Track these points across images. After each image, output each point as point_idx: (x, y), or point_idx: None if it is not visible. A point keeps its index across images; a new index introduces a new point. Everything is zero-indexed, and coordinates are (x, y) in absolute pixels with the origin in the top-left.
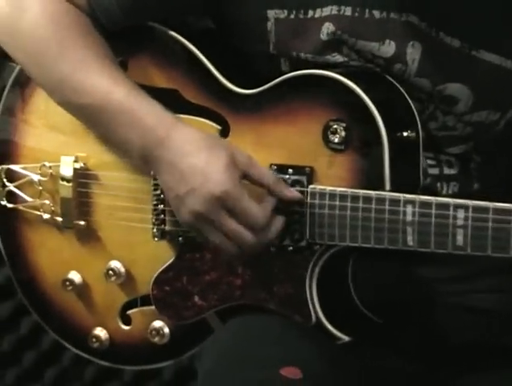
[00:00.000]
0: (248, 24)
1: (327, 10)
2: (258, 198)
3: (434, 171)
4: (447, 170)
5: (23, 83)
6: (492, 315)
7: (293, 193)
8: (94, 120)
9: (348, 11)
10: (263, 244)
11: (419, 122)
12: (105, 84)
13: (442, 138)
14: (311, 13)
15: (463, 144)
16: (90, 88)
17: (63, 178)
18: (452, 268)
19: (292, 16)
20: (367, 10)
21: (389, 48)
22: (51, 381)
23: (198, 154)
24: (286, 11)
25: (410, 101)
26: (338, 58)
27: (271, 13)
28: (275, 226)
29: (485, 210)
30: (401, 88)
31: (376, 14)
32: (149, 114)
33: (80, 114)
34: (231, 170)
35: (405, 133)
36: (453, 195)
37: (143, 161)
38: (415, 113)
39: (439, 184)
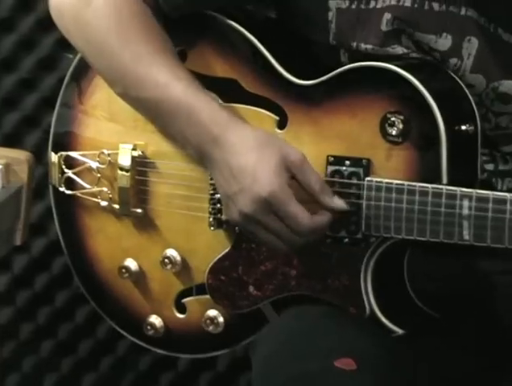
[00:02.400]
0: (309, 13)
1: (387, 1)
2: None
3: (489, 167)
4: (502, 166)
5: (82, 74)
6: None
7: (337, 203)
8: (152, 113)
9: (408, 2)
10: (310, 243)
11: (477, 116)
12: (164, 78)
13: (496, 137)
14: (372, 3)
15: None
16: (149, 82)
17: (121, 166)
18: None
19: (354, 6)
20: (427, 2)
21: (445, 41)
22: (106, 370)
23: (249, 154)
24: (347, 1)
25: (469, 95)
26: (398, 50)
27: (333, 3)
28: (321, 227)
29: None
30: (460, 81)
31: (435, 6)
32: (205, 111)
33: (140, 106)
34: (281, 172)
35: (463, 127)
36: (508, 191)
37: (198, 156)
38: (474, 107)
39: (494, 179)
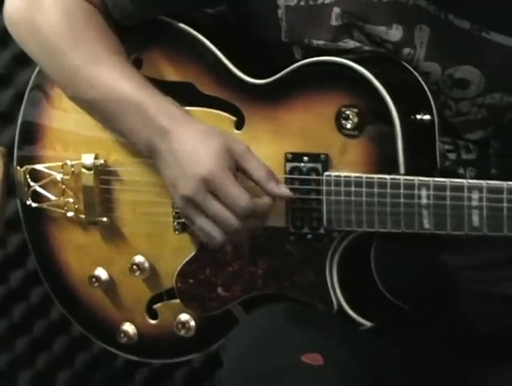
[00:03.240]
0: (260, 12)
1: None
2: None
3: (452, 156)
4: (464, 156)
5: (41, 87)
6: None
7: (282, 190)
8: (104, 112)
9: None
10: (248, 230)
11: (433, 104)
12: (114, 77)
13: (458, 124)
14: None
15: (481, 129)
16: (99, 82)
17: (85, 175)
18: (481, 256)
19: (302, 3)
20: None
21: (396, 32)
22: (81, 367)
23: (191, 141)
24: None
25: (423, 84)
26: (350, 44)
27: (281, 0)
28: (258, 214)
29: (500, 190)
30: (414, 71)
31: None
32: (153, 105)
33: (91, 108)
34: (221, 156)
35: (418, 116)
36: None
37: (148, 151)
38: (429, 96)
39: (458, 169)
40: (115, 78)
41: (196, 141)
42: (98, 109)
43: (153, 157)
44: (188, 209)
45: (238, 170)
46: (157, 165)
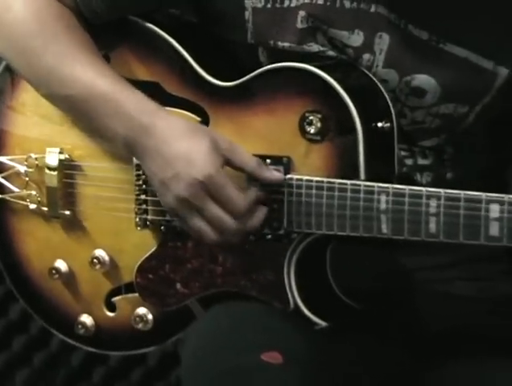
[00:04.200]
0: (226, 14)
1: (301, 0)
2: (241, 185)
3: (408, 162)
4: (421, 161)
5: (7, 78)
6: (474, 302)
7: (274, 175)
8: (79, 110)
9: (320, 1)
10: (244, 232)
11: (393, 113)
12: (89, 74)
13: (414, 132)
14: (287, 2)
15: (435, 137)
16: (75, 79)
17: (49, 169)
18: (435, 257)
19: (269, 5)
20: (338, 0)
21: (358, 38)
22: (39, 365)
23: (180, 140)
24: (263, 1)
25: (384, 92)
26: (314, 47)
27: (249, 2)
28: (257, 214)
29: (457, 199)
30: (375, 79)
31: (346, 3)
32: (132, 103)
33: (66, 105)
34: (214, 155)
35: (379, 124)
36: (427, 184)
37: (127, 149)
38: (390, 104)
39: (414, 174)
40: (91, 76)
41: (185, 139)
42: (73, 107)
43: (134, 153)
44: (182, 209)
45: (227, 165)
46: (141, 161)
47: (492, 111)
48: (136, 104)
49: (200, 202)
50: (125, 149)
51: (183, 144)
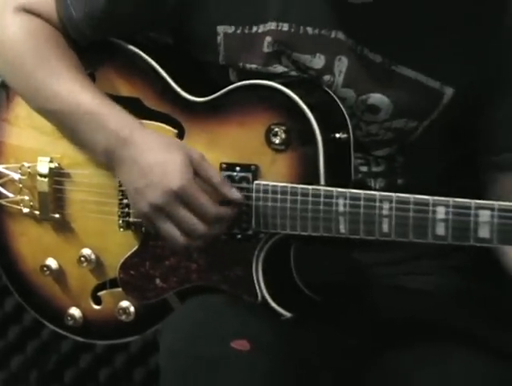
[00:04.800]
0: (201, 38)
1: (268, 26)
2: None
3: (363, 169)
4: (374, 168)
5: (5, 92)
6: (424, 295)
7: (234, 195)
8: (65, 123)
9: (285, 27)
10: (212, 236)
11: (350, 125)
12: (74, 91)
13: (368, 143)
14: (254, 28)
15: (387, 147)
16: (62, 96)
17: (40, 176)
18: (389, 254)
19: (239, 31)
20: (301, 27)
21: (319, 61)
22: (32, 353)
23: (157, 152)
24: (233, 27)
25: (341, 106)
26: (279, 69)
27: (221, 28)
28: (224, 220)
29: (407, 202)
30: (333, 95)
31: (309, 30)
32: (113, 118)
33: (53, 119)
34: (187, 167)
35: (337, 135)
36: (380, 190)
37: (107, 159)
38: (347, 117)
39: (368, 180)
40: (75, 92)
41: (160, 152)
42: (59, 120)
43: (112, 164)
44: (155, 215)
45: (196, 175)
46: (117, 171)
47: (439, 125)
48: (116, 119)
49: (172, 209)
50: (105, 160)
51: (158, 156)
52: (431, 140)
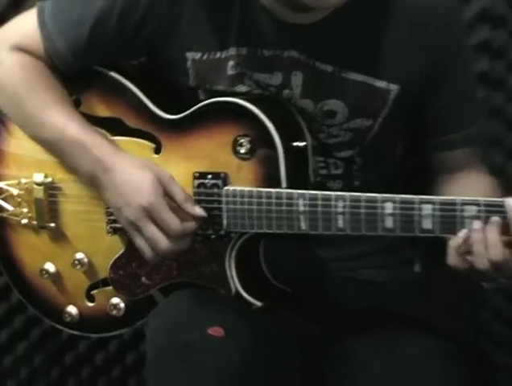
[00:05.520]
0: (172, 63)
1: (229, 51)
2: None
3: (323, 172)
4: (333, 171)
5: (3, 118)
6: (378, 286)
7: (196, 211)
8: (54, 149)
9: (244, 51)
10: (175, 251)
11: (306, 134)
12: (62, 121)
13: (331, 145)
14: (218, 54)
15: (349, 149)
16: (51, 125)
17: (36, 190)
18: (346, 250)
19: (205, 57)
20: (258, 50)
21: (277, 78)
22: (35, 340)
23: (131, 174)
24: (200, 53)
25: (299, 118)
26: (242, 88)
27: (189, 55)
28: (187, 236)
29: (358, 199)
30: (291, 108)
31: (265, 52)
32: (96, 146)
33: (44, 144)
34: (155, 187)
35: (295, 143)
36: (338, 190)
37: (91, 181)
38: (303, 127)
39: (327, 182)
40: (63, 122)
41: (135, 175)
42: (50, 147)
43: (94, 184)
44: (130, 229)
45: (165, 194)
46: (98, 190)
47: (391, 122)
48: (99, 147)
49: (142, 224)
50: (90, 182)
51: (133, 178)
52: (386, 139)
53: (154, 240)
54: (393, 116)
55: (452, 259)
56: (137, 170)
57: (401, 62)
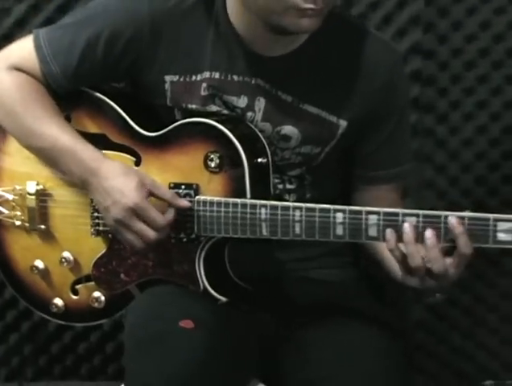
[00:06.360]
0: (151, 85)
1: (203, 75)
2: (162, 208)
3: (280, 186)
4: (288, 186)
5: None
6: (328, 284)
7: (183, 203)
8: (48, 157)
9: (217, 75)
10: (160, 239)
11: (268, 152)
12: (54, 133)
13: (283, 166)
14: (193, 77)
15: (298, 168)
16: (45, 136)
17: (29, 196)
18: (301, 252)
19: (181, 79)
20: (229, 75)
21: (243, 101)
22: (26, 331)
23: (117, 178)
24: (177, 76)
25: (262, 138)
26: (213, 108)
27: (167, 77)
28: (169, 226)
29: (313, 209)
30: (255, 129)
31: (235, 77)
32: (85, 153)
33: (39, 153)
34: (140, 189)
35: (259, 160)
36: (293, 202)
37: (82, 185)
38: (266, 146)
39: (284, 195)
40: (56, 133)
41: (120, 178)
42: (44, 155)
43: (86, 188)
44: (119, 227)
45: (151, 196)
46: (90, 193)
47: (337, 150)
48: (88, 154)
49: (130, 221)
50: (80, 185)
51: (118, 181)
52: (331, 162)
53: (143, 234)
54: (338, 147)
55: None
56: (122, 175)
57: (350, 101)
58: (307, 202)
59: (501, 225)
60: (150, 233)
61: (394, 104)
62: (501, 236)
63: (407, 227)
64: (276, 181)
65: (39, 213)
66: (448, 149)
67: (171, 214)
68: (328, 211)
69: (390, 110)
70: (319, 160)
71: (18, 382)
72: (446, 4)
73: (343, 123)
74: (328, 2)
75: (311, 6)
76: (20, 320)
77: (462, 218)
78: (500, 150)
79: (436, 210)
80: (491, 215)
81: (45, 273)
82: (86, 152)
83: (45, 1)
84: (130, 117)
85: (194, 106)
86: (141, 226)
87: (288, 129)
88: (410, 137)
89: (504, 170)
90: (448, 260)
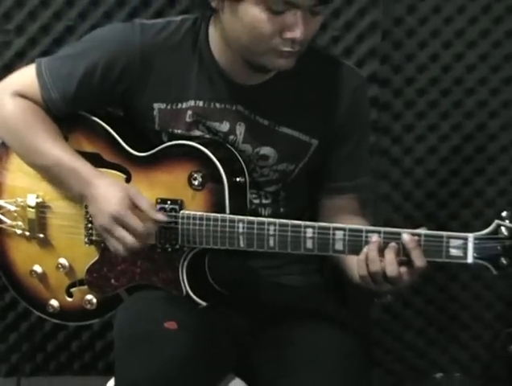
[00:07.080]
0: (142, 111)
1: (189, 103)
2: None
3: (256, 201)
4: (264, 201)
5: (4, 149)
6: (296, 289)
7: (158, 216)
8: (50, 174)
9: (201, 103)
10: (139, 246)
11: (246, 172)
12: (55, 151)
13: (261, 182)
14: (180, 105)
15: (274, 185)
16: (47, 155)
17: (29, 208)
18: (273, 260)
19: (169, 107)
20: (212, 103)
21: (225, 126)
22: (24, 330)
23: (106, 189)
24: (165, 104)
25: (240, 159)
26: (197, 133)
27: (156, 105)
28: (149, 234)
29: (286, 225)
30: (235, 151)
31: (218, 105)
32: (82, 170)
33: (41, 170)
34: (123, 199)
35: (238, 179)
36: (268, 216)
37: (79, 197)
38: (244, 166)
39: (259, 209)
40: (58, 153)
41: (108, 190)
42: (46, 172)
43: (83, 199)
44: (103, 232)
45: (134, 206)
46: (86, 203)
47: (309, 166)
48: (85, 170)
49: (112, 227)
50: (78, 197)
51: (107, 191)
52: (302, 177)
53: (123, 239)
54: (310, 163)
55: (360, 270)
56: (111, 187)
57: (321, 122)
58: (281, 215)
59: (453, 242)
60: (130, 240)
61: (358, 124)
62: (453, 251)
63: (375, 238)
64: (253, 196)
65: (39, 223)
66: (402, 167)
67: (150, 224)
68: (299, 226)
69: (354, 130)
70: (293, 176)
71: (17, 377)
72: (400, 38)
73: (314, 142)
74: (303, 44)
75: (289, 49)
76: (19, 321)
77: (418, 235)
78: (448, 168)
79: (392, 221)
80: (444, 233)
81: (43, 277)
82: (84, 168)
83: (42, 34)
84: (121, 139)
85: (180, 131)
86: (122, 233)
87: (266, 150)
88: (368, 154)
89: (452, 185)
90: (403, 269)
